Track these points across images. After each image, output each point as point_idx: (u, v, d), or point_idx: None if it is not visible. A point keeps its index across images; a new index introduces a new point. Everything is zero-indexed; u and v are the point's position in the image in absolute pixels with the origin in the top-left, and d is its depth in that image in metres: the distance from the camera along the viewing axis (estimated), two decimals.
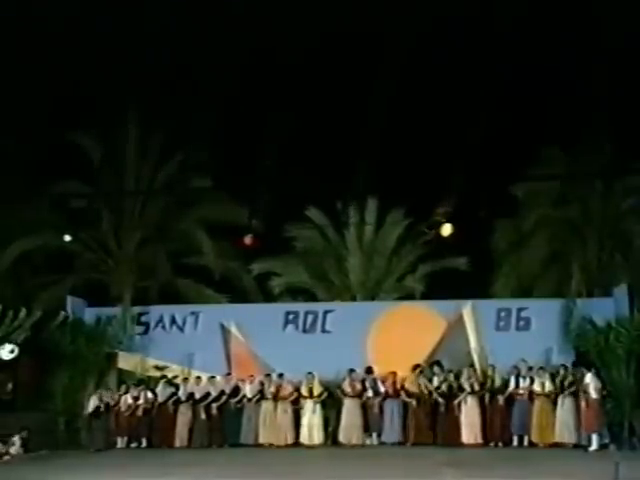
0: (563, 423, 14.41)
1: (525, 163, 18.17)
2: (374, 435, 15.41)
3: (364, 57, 17.30)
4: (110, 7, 17.55)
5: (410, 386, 15.36)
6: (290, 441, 15.45)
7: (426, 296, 18.54)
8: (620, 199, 18.83)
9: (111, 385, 17.05)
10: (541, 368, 15.02)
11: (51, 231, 18.27)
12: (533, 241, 18.89)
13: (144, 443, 15.88)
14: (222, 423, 15.73)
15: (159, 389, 16.23)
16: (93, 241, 19.08)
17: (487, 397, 15.02)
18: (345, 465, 12.97)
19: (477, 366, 15.99)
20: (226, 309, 18.23)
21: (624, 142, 17.44)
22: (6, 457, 14.73)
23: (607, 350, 15.08)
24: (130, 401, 16.04)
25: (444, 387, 15.14)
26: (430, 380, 15.36)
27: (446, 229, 15.92)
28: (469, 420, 14.84)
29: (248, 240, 16.61)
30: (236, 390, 15.88)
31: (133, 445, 15.97)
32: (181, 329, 17.45)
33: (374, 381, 15.59)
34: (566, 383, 14.56)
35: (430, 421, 15.12)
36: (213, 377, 16.25)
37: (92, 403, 15.89)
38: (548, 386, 14.69)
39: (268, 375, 15.96)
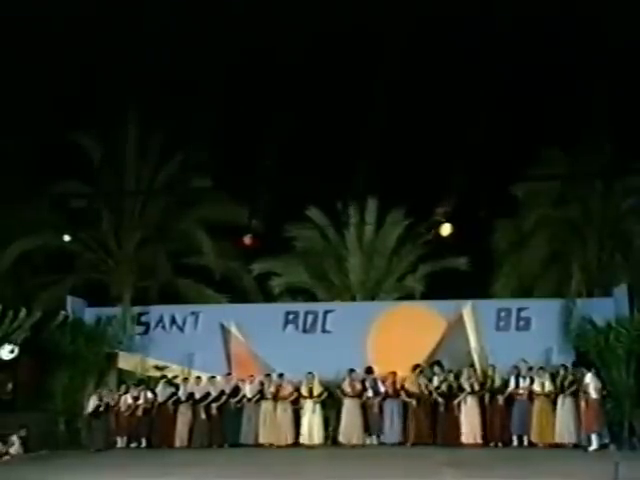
0: (563, 423, 14.41)
1: (525, 163, 18.17)
2: (374, 435, 15.41)
3: (364, 57, 17.32)
4: (110, 7, 17.55)
5: (410, 386, 15.36)
6: (290, 441, 15.45)
7: (426, 296, 18.52)
8: (620, 199, 18.83)
9: (111, 385, 17.04)
10: (541, 368, 15.01)
11: (51, 231, 18.24)
12: (533, 241, 18.89)
13: (144, 443, 15.88)
14: (222, 423, 15.72)
15: (159, 389, 16.23)
16: (93, 241, 19.08)
17: (487, 397, 15.02)
18: (345, 465, 12.96)
19: (477, 366, 15.99)
20: (226, 309, 18.22)
21: (624, 142, 17.44)
22: (6, 457, 14.72)
23: (607, 350, 15.08)
24: (130, 401, 16.05)
25: (444, 387, 15.14)
26: (430, 380, 15.36)
27: (446, 229, 15.89)
28: (469, 420, 14.84)
29: (248, 240, 16.58)
30: (236, 390, 15.87)
31: (133, 445, 15.97)
32: (181, 329, 17.45)
33: (374, 381, 15.59)
34: (566, 383, 14.55)
35: (430, 421, 15.12)
36: (213, 377, 16.25)
37: (92, 403, 15.89)
38: (548, 386, 14.69)
39: (268, 375, 15.96)
